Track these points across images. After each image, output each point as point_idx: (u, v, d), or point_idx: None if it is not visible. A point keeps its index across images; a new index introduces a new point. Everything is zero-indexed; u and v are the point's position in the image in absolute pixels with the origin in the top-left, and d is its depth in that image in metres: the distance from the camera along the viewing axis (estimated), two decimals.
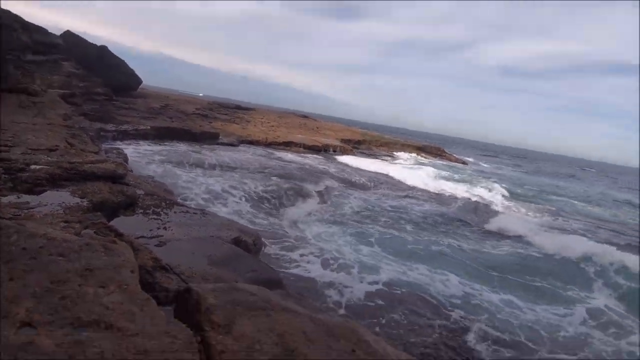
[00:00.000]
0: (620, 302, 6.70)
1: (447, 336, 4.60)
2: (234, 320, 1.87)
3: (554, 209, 16.30)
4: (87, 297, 1.75)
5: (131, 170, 7.77)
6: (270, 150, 19.71)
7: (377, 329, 4.40)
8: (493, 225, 10.89)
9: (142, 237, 4.37)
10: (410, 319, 4.82)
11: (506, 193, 18.22)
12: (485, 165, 41.70)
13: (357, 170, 18.25)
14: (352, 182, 14.71)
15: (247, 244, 5.39)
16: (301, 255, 6.46)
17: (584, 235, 11.54)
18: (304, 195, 10.80)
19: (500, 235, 10.25)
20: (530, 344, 4.92)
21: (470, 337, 4.73)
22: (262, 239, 6.07)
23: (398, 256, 7.23)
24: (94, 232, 3.27)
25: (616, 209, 21.62)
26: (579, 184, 35.43)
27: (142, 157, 11.50)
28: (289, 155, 18.78)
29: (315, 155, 21.27)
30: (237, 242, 5.12)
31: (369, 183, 15.14)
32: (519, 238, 10.02)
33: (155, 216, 5.33)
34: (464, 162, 36.00)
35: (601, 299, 6.79)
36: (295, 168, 14.57)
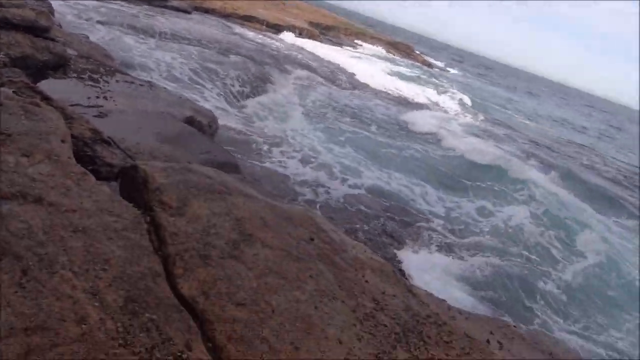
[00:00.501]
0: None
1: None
2: (187, 202, 1.73)
3: (496, 119, 17.28)
4: (6, 166, 1.47)
5: (59, 25, 6.46)
6: (228, 24, 17.40)
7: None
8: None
9: (78, 105, 3.82)
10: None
11: (456, 104, 18.61)
12: (453, 71, 41.24)
13: (320, 58, 17.08)
14: (317, 71, 13.90)
15: (201, 125, 5.02)
16: (269, 147, 6.25)
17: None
18: (270, 82, 10.04)
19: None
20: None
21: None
22: (219, 122, 5.70)
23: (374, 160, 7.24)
24: (13, 91, 2.73)
25: (548, 125, 23.26)
26: (532, 100, 37.08)
27: (75, 13, 9.51)
28: (249, 33, 16.83)
29: (279, 36, 19.34)
30: (190, 121, 4.73)
31: (331, 75, 14.39)
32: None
33: (92, 83, 4.63)
34: (429, 65, 35.25)
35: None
36: (257, 49, 13.22)
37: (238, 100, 8.34)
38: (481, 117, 16.60)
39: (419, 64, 32.83)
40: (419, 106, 14.47)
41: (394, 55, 31.69)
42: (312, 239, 1.86)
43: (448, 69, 41.85)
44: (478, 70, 57.55)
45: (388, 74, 19.15)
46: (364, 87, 14.96)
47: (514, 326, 3.51)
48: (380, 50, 30.89)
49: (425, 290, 2.45)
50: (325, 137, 7.84)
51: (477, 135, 12.20)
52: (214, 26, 15.36)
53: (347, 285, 1.67)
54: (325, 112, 9.59)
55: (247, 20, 19.82)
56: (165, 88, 5.95)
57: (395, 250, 4.33)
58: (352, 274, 1.76)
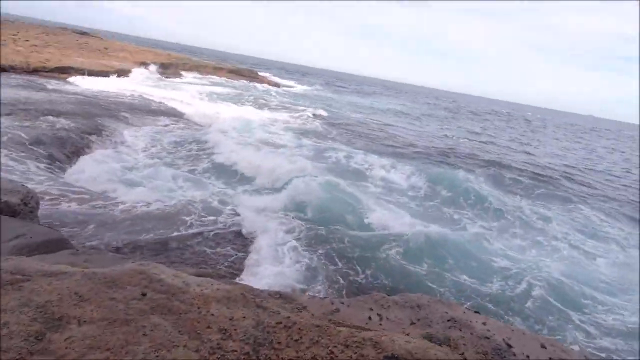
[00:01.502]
0: None
1: None
2: None
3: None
4: None
5: None
6: (41, 81, 14.86)
7: None
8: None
9: None
10: None
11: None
12: (301, 87, 44.37)
13: (154, 99, 15.89)
14: (151, 110, 13.06)
15: (10, 205, 4.17)
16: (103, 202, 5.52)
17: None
18: (101, 133, 8.95)
19: None
20: None
21: None
22: (39, 195, 4.80)
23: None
24: None
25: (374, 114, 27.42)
26: (370, 99, 42.93)
27: None
28: (67, 87, 14.75)
29: (108, 83, 17.52)
30: None
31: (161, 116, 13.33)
32: None
33: None
34: (277, 85, 37.24)
35: None
36: (81, 102, 11.67)
37: (64, 163, 7.21)
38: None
39: (259, 84, 33.98)
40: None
41: (234, 80, 32.06)
42: (144, 294, 1.74)
43: (296, 85, 44.91)
44: (322, 82, 63.57)
45: (201, 98, 18.44)
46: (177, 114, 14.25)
47: (387, 295, 3.98)
48: (219, 79, 30.96)
49: (307, 295, 2.58)
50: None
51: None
52: (14, 85, 12.95)
53: (189, 327, 1.62)
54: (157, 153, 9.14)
55: (63, 72, 17.40)
56: None
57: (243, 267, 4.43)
58: (194, 313, 1.72)
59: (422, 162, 12.37)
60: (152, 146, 9.32)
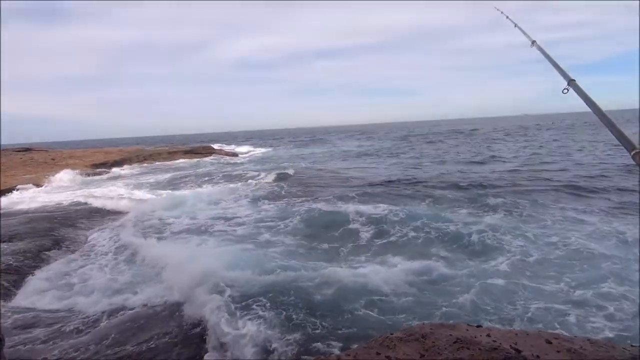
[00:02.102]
0: None
1: None
2: None
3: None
4: None
5: None
6: None
7: None
8: None
9: None
10: None
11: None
12: (260, 150, 45.26)
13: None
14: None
15: None
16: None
17: None
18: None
19: None
20: None
21: None
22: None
23: None
24: None
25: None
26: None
27: None
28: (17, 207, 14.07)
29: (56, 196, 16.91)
30: None
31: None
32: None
33: None
34: (234, 154, 37.78)
35: None
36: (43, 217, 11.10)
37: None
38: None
39: (223, 156, 34.32)
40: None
41: (188, 159, 31.93)
42: None
43: (255, 149, 45.63)
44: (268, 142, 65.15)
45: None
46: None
47: (390, 334, 3.90)
48: (176, 162, 30.82)
49: None
50: None
51: None
52: None
53: None
54: None
55: (8, 193, 16.62)
56: None
57: None
58: None
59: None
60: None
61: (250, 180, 17.11)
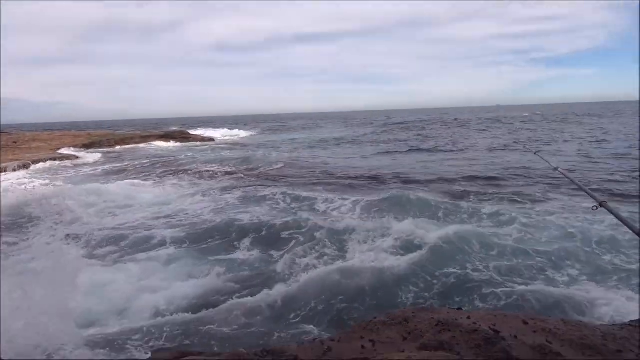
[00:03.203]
0: None
1: None
2: None
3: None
4: None
5: None
6: None
7: None
8: None
9: None
10: None
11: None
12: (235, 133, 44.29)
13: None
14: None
15: None
16: None
17: None
18: None
19: None
20: None
21: None
22: None
23: None
24: None
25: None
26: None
27: None
28: None
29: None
30: None
31: None
32: None
33: None
34: (210, 139, 36.87)
35: None
36: None
37: None
38: None
39: (199, 143, 33.49)
40: None
41: (169, 143, 31.14)
42: None
43: (232, 134, 44.68)
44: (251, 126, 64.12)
45: None
46: None
47: (374, 318, 3.94)
48: (152, 144, 29.87)
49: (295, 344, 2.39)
50: None
51: None
52: None
53: None
54: None
55: None
56: None
57: None
58: None
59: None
60: None
61: (214, 170, 16.33)
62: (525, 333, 3.26)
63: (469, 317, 3.58)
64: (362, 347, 3.33)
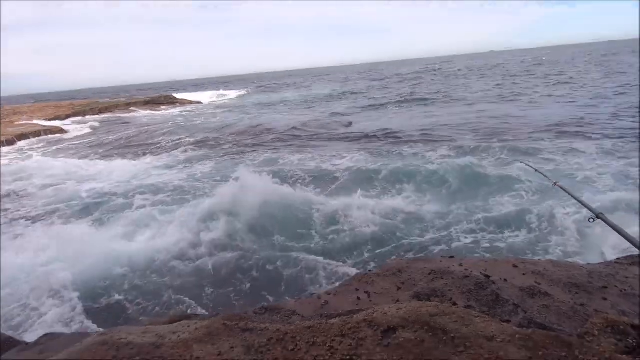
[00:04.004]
0: None
1: None
2: None
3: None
4: None
5: None
6: None
7: None
8: None
9: None
10: None
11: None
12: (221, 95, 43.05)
13: None
14: None
15: None
16: None
17: None
18: None
19: None
20: None
21: None
22: None
23: None
24: None
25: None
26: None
27: None
28: None
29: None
30: None
31: None
32: None
33: None
34: (199, 102, 35.86)
35: None
36: None
37: None
38: None
39: (187, 107, 32.71)
40: None
41: (156, 109, 30.38)
42: None
43: (222, 95, 43.47)
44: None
45: None
46: None
47: (369, 271, 4.03)
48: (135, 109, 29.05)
49: (293, 300, 2.44)
50: None
51: None
52: None
53: None
54: None
55: None
56: None
57: None
58: None
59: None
60: None
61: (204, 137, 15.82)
62: (515, 276, 3.36)
63: (461, 265, 3.67)
64: (358, 298, 3.43)
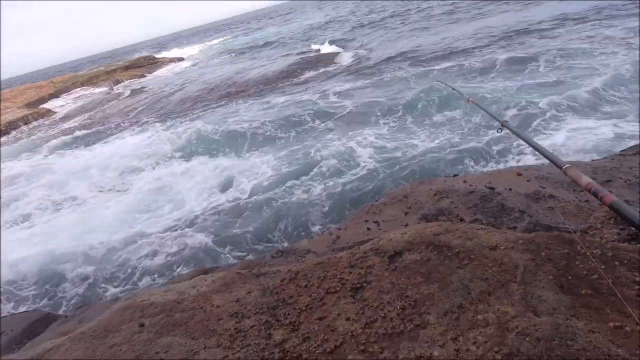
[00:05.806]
0: None
1: None
2: None
3: None
4: None
5: None
6: None
7: None
8: None
9: None
10: None
11: None
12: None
13: None
14: None
15: None
16: None
17: None
18: None
19: None
20: None
21: None
22: None
23: None
24: None
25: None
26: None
27: None
28: None
29: None
30: None
31: None
32: None
33: None
34: (180, 59, 34.12)
35: None
36: None
37: None
38: None
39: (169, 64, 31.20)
40: None
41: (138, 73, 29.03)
42: (142, 325, 1.66)
43: (206, 47, 41.24)
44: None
45: None
46: None
47: (375, 202, 4.09)
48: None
49: (306, 239, 2.49)
50: None
51: None
52: None
53: (201, 330, 1.58)
54: None
55: None
56: None
57: None
58: (200, 315, 1.68)
59: None
60: None
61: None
62: (519, 184, 3.37)
63: (465, 181, 3.68)
64: (368, 229, 3.52)
